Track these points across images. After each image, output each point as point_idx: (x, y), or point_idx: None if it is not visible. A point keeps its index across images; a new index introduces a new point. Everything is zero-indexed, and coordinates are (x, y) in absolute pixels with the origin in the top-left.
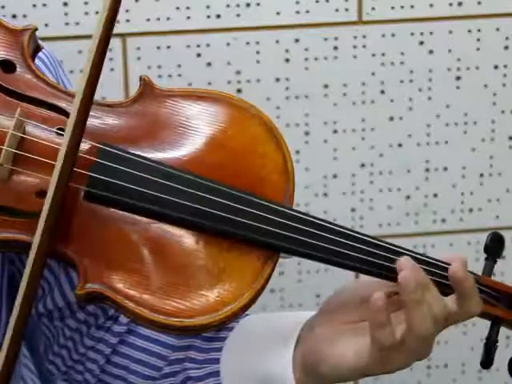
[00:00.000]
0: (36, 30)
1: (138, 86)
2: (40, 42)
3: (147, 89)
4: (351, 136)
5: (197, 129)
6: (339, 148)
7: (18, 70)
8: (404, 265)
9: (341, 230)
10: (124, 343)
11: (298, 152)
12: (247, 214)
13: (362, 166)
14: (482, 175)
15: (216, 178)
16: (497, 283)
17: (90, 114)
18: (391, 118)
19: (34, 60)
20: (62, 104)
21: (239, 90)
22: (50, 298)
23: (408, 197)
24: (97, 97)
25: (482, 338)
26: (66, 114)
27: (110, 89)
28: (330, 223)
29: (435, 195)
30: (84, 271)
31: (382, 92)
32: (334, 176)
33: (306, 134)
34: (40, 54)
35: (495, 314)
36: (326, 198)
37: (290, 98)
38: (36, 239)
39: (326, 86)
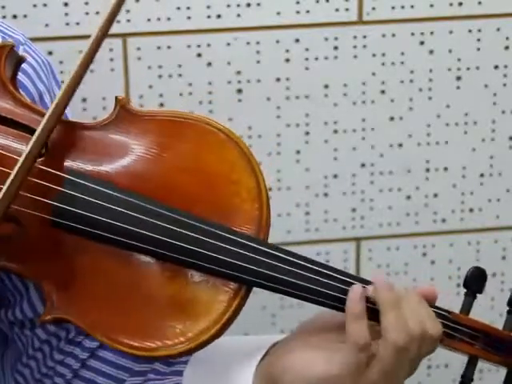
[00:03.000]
0: (14, 46)
1: (138, 86)
2: (28, 50)
3: (122, 110)
4: (351, 136)
5: (170, 155)
6: (339, 148)
7: None
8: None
9: (314, 267)
10: (94, 357)
11: (298, 152)
12: (215, 248)
13: (363, 165)
14: (482, 175)
15: (188, 205)
16: (471, 320)
17: (61, 134)
18: (391, 118)
19: (15, 76)
20: (34, 125)
21: (239, 90)
22: (19, 308)
23: (408, 197)
24: (97, 97)
25: None
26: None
27: (110, 89)
28: (301, 258)
29: (435, 195)
30: (49, 297)
31: (382, 92)
32: (335, 176)
33: (306, 133)
34: (31, 60)
35: (471, 353)
36: (326, 198)
37: (290, 98)
38: None
39: (326, 86)
